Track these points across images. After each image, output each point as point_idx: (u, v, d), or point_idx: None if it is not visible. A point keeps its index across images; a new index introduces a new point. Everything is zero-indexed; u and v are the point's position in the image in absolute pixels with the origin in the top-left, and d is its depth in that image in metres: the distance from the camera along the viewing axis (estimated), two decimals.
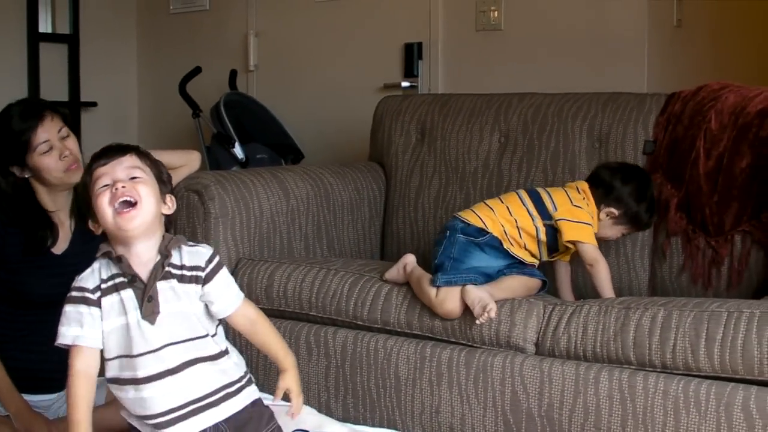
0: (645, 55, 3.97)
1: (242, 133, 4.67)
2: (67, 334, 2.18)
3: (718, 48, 4.60)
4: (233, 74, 4.96)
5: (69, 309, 2.18)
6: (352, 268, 3.03)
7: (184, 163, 3.20)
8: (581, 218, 2.89)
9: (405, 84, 4.50)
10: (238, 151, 4.56)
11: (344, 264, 3.09)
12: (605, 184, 2.98)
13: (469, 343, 2.75)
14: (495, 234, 2.85)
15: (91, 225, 2.23)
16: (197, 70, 4.80)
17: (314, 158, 4.68)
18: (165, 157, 3.18)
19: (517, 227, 2.88)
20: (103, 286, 2.18)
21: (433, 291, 2.77)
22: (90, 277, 2.20)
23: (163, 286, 2.18)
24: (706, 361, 2.40)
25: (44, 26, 5.28)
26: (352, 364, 2.91)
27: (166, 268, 2.19)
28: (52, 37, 5.31)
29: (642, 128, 3.26)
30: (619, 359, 2.53)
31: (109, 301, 2.17)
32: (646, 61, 3.97)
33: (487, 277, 2.79)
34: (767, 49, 5.10)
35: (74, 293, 2.19)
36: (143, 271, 2.18)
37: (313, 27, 4.87)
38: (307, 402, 2.97)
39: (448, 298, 2.74)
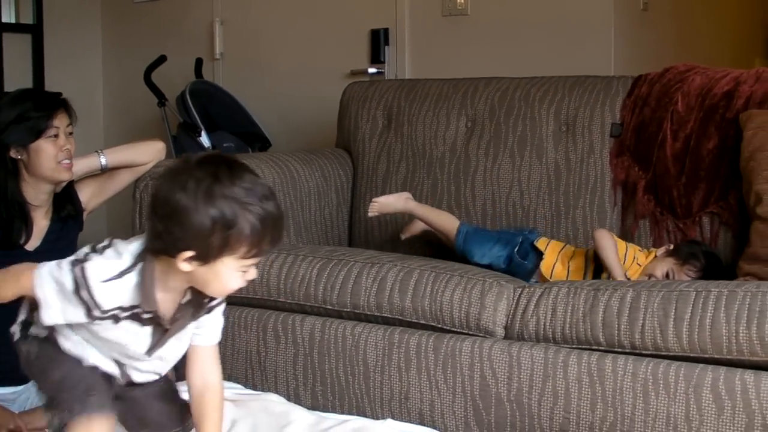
0: (612, 38, 3.97)
1: (208, 122, 4.64)
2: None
3: (685, 31, 4.62)
4: (199, 62, 4.93)
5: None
6: (320, 254, 3.00)
7: (151, 159, 3.19)
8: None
9: (372, 70, 4.48)
10: (204, 139, 4.53)
11: (312, 250, 3.06)
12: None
13: (439, 326, 2.73)
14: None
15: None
16: (162, 59, 4.76)
17: (281, 146, 4.66)
18: (132, 153, 3.18)
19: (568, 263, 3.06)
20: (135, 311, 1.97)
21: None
22: (118, 294, 1.94)
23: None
24: (675, 341, 2.40)
25: (7, 16, 5.23)
26: (320, 352, 2.89)
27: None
28: (16, 27, 5.26)
29: (609, 111, 3.26)
30: (588, 340, 2.52)
31: (126, 324, 1.99)
32: (612, 44, 3.98)
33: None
34: (733, 31, 5.13)
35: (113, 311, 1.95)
36: (169, 308, 2.01)
37: (278, 14, 4.84)
38: (276, 390, 2.95)
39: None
